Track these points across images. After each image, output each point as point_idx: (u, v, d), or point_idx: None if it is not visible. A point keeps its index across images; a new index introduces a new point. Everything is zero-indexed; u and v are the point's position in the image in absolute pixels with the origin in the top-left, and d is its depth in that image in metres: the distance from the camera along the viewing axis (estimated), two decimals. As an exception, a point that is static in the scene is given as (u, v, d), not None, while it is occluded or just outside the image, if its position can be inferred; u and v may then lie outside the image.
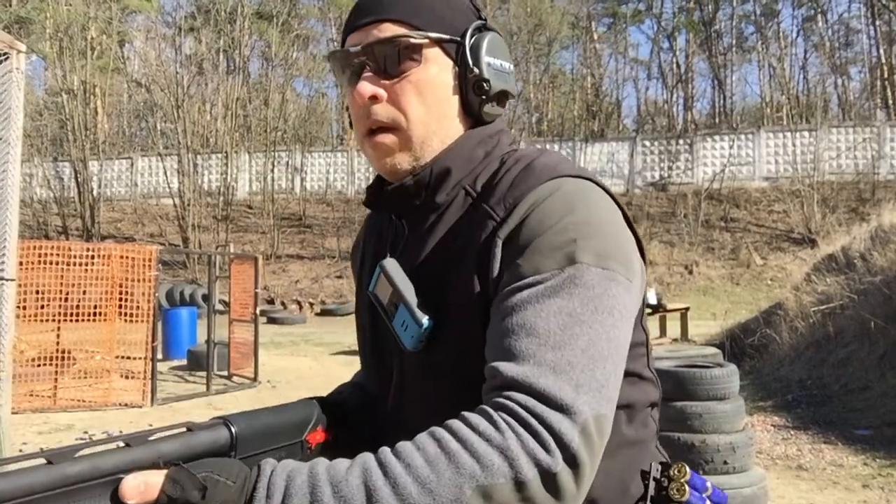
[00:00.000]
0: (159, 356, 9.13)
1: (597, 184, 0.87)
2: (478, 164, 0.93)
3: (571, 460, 0.69)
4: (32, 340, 8.36)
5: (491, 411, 0.71)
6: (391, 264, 0.91)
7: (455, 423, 0.71)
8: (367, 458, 0.70)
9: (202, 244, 24.00)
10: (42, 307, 8.28)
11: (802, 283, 10.48)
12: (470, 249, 0.86)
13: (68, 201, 26.99)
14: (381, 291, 0.92)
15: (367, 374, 1.04)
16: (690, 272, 21.22)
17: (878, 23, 30.12)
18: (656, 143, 25.44)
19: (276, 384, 9.64)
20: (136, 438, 0.67)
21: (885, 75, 29.69)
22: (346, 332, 16.60)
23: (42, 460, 0.60)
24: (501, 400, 0.72)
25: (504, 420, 0.70)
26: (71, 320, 8.51)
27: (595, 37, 34.38)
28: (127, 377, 8.82)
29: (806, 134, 24.18)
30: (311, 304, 20.91)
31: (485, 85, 0.92)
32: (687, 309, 13.31)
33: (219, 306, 10.94)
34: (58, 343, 8.46)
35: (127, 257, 8.66)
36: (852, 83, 33.56)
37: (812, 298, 9.44)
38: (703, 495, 0.91)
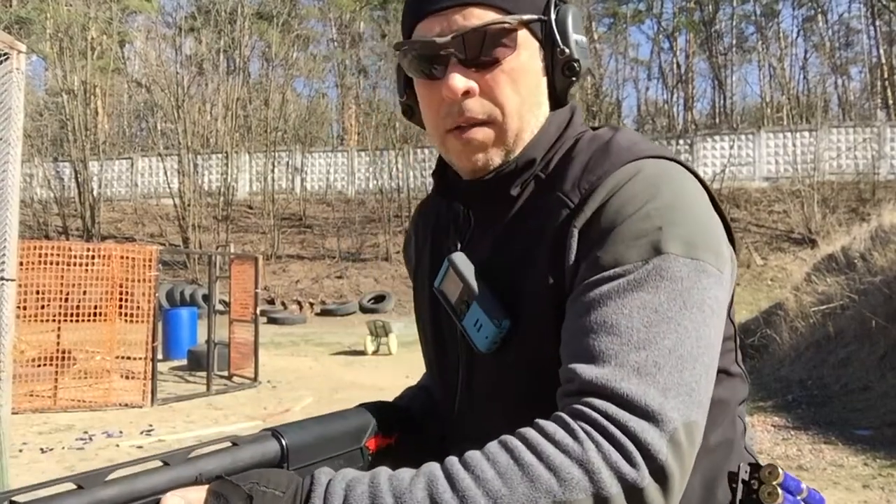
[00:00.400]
0: (159, 356, 9.13)
1: (681, 164, 0.81)
2: (552, 147, 0.86)
3: (659, 473, 0.62)
4: (33, 340, 8.36)
5: (568, 419, 0.65)
6: (461, 259, 0.85)
7: (529, 432, 0.65)
8: (433, 468, 0.65)
9: (202, 244, 24.00)
10: (42, 307, 8.28)
11: (803, 284, 10.48)
12: (543, 241, 0.80)
13: (68, 201, 26.99)
14: (449, 288, 0.85)
15: (431, 375, 0.98)
16: (691, 272, 21.19)
17: (878, 23, 30.11)
18: (656, 144, 25.41)
19: (276, 384, 9.64)
20: (174, 457, 0.63)
21: (886, 75, 29.68)
22: (346, 332, 16.61)
23: (71, 485, 0.57)
24: (580, 407, 0.66)
25: (583, 429, 0.64)
26: (71, 320, 8.51)
27: (595, 37, 34.37)
28: (127, 377, 8.82)
29: (806, 134, 24.17)
30: (312, 305, 20.91)
31: (576, 66, 0.84)
32: (687, 309, 13.28)
33: (219, 306, 10.93)
34: (58, 343, 8.46)
35: (127, 257, 8.66)
36: (852, 83, 33.59)
37: (812, 298, 9.44)
38: (798, 498, 0.83)
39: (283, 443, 0.71)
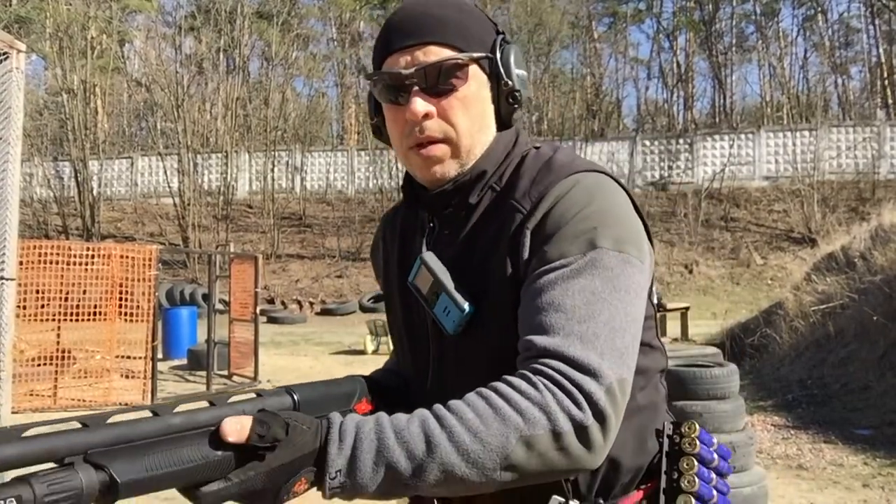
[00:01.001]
0: (159, 356, 9.13)
1: (609, 176, 0.98)
2: (500, 163, 1.03)
3: (600, 416, 0.80)
4: (32, 340, 8.36)
5: (530, 374, 0.82)
6: (430, 257, 1.01)
7: (499, 385, 0.82)
8: (423, 411, 0.81)
9: (202, 244, 23.99)
10: (42, 307, 8.28)
11: (802, 283, 10.48)
12: (501, 239, 0.96)
13: (68, 201, 26.99)
14: (421, 282, 1.01)
15: (403, 358, 1.13)
16: (690, 272, 21.22)
17: (877, 22, 30.11)
18: (656, 143, 25.44)
19: (276, 384, 9.63)
20: (219, 399, 0.79)
21: (885, 75, 29.68)
22: (345, 331, 16.60)
23: (148, 414, 0.73)
24: (538, 366, 0.83)
25: (542, 382, 0.81)
26: (71, 320, 8.51)
27: (595, 36, 34.36)
28: (127, 377, 8.82)
29: (806, 133, 24.17)
30: (311, 304, 20.91)
31: (517, 95, 1.02)
32: (687, 308, 13.30)
33: (219, 306, 10.94)
34: (58, 343, 8.46)
35: (127, 257, 8.66)
36: (852, 82, 33.58)
37: (812, 298, 9.44)
38: (711, 449, 1.02)
39: (295, 398, 0.88)
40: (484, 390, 0.82)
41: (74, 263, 8.40)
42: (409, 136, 0.99)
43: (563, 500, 0.93)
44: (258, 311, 10.26)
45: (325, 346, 14.06)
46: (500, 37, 1.03)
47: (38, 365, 8.20)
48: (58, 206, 26.68)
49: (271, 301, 20.78)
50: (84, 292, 8.61)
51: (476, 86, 1.00)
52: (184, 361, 10.98)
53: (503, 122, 1.04)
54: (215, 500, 0.72)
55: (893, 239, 9.24)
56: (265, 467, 0.73)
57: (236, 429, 0.73)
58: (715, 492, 0.99)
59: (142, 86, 30.83)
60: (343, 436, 0.77)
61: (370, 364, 11.56)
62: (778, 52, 31.51)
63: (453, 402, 0.81)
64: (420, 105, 0.96)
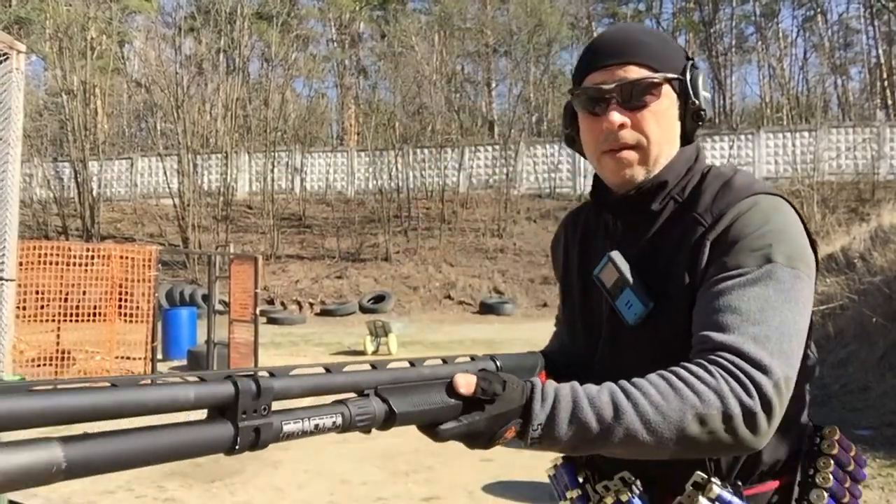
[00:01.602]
0: (159, 356, 9.13)
1: (784, 199, 1.09)
2: (683, 176, 1.16)
3: (767, 405, 0.91)
4: (32, 341, 8.36)
5: (707, 363, 0.94)
6: (617, 256, 1.14)
7: (679, 369, 0.94)
8: (611, 384, 0.93)
9: (202, 244, 23.98)
10: (42, 307, 8.28)
11: (802, 284, 10.46)
12: (682, 247, 1.09)
13: (68, 201, 26.97)
14: (606, 276, 1.15)
15: (575, 338, 1.28)
16: (690, 272, 21.21)
17: (877, 23, 30.13)
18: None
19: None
20: (449, 359, 0.96)
21: (885, 75, 29.70)
22: (345, 332, 16.60)
23: (406, 364, 0.92)
24: (714, 356, 0.94)
25: (718, 371, 0.92)
26: (71, 320, 8.51)
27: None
28: (127, 377, 8.81)
29: (806, 134, 24.18)
30: (311, 305, 20.91)
31: (702, 114, 1.16)
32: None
33: (219, 306, 10.93)
34: (58, 343, 8.46)
35: (127, 257, 8.66)
36: (852, 83, 33.60)
37: (812, 298, 9.43)
38: (849, 454, 1.12)
39: (498, 364, 1.03)
40: (665, 372, 0.94)
41: (74, 264, 8.40)
42: (605, 142, 1.13)
43: (705, 476, 1.06)
44: (258, 311, 10.25)
45: (324, 347, 14.06)
46: (690, 62, 1.17)
47: (38, 365, 8.20)
48: (57, 206, 26.66)
49: (271, 302, 20.78)
50: (84, 293, 8.62)
51: (667, 103, 1.14)
52: (183, 362, 10.98)
53: (687, 138, 1.18)
54: (448, 436, 0.89)
55: (893, 240, 9.24)
56: (486, 415, 0.88)
57: (465, 382, 0.88)
58: (847, 493, 1.09)
59: (141, 86, 30.83)
60: (545, 396, 0.91)
61: (370, 365, 11.57)
62: (777, 52, 31.54)
63: (637, 379, 0.93)
64: (617, 116, 1.11)
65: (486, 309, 19.71)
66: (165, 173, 26.05)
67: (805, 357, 1.08)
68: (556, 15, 29.29)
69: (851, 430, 6.00)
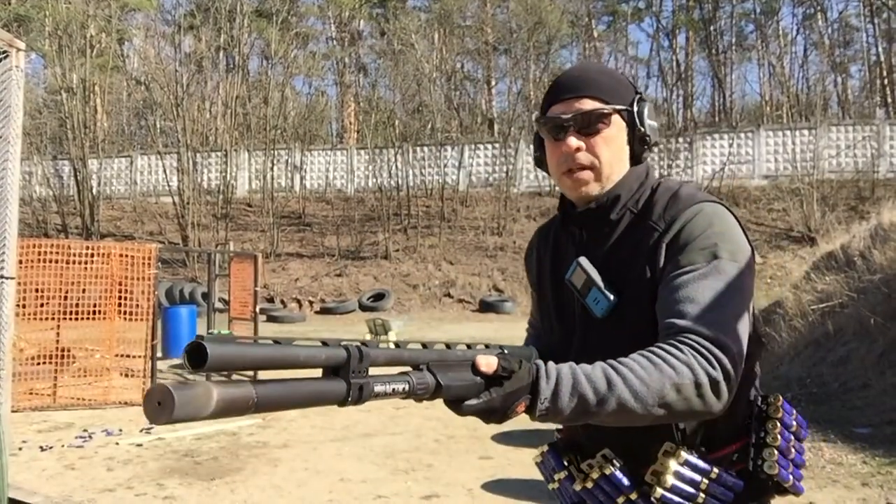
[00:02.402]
0: (159, 354, 9.14)
1: (723, 205, 1.30)
2: (635, 191, 1.36)
3: (727, 375, 1.11)
4: (32, 339, 8.35)
5: (676, 343, 1.13)
6: (584, 261, 1.34)
7: (654, 348, 1.13)
8: (602, 363, 1.10)
9: (202, 242, 23.97)
10: (42, 305, 8.27)
11: (802, 282, 10.48)
12: (640, 249, 1.29)
13: (68, 199, 26.96)
14: (576, 279, 1.35)
15: (550, 333, 1.47)
16: (690, 270, 21.19)
17: (877, 21, 30.10)
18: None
19: (275, 382, 9.63)
20: (473, 345, 1.11)
21: (885, 73, 29.68)
22: (345, 330, 16.60)
23: (443, 346, 1.06)
24: (682, 337, 1.14)
25: (686, 349, 1.12)
26: (70, 318, 8.50)
27: (595, 35, 34.37)
28: (127, 375, 8.82)
29: (805, 132, 24.16)
30: (311, 303, 20.91)
31: (647, 139, 1.37)
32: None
33: (218, 304, 10.93)
34: (57, 341, 8.45)
35: (126, 255, 8.65)
36: (852, 81, 33.57)
37: (811, 297, 9.44)
38: (790, 417, 1.33)
39: (505, 352, 1.13)
40: (644, 352, 1.12)
41: (74, 262, 8.39)
42: (564, 163, 1.34)
43: (674, 445, 1.24)
44: (258, 309, 10.26)
45: (324, 345, 14.05)
46: (638, 96, 1.37)
47: (38, 363, 8.20)
48: (57, 204, 26.65)
49: (271, 300, 20.78)
50: (83, 291, 8.61)
51: (616, 129, 1.35)
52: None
53: (636, 159, 1.39)
54: (470, 411, 1.02)
55: (893, 238, 9.23)
56: (503, 391, 1.03)
57: (487, 363, 1.03)
58: (792, 449, 1.30)
59: (141, 84, 30.79)
60: (549, 374, 1.06)
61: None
62: (777, 50, 31.50)
63: (622, 358, 1.11)
64: (573, 142, 1.32)
65: (486, 307, 19.72)
66: (165, 171, 26.03)
67: (751, 337, 1.26)
68: (555, 13, 29.25)
69: (851, 428, 6.01)
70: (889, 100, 28.76)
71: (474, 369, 1.03)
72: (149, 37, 32.52)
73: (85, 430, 6.76)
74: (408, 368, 0.99)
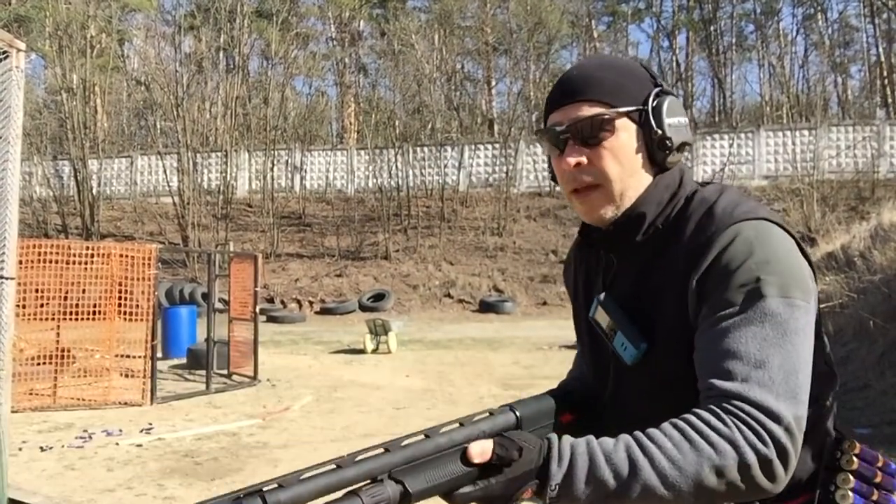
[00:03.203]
0: (159, 355, 9.14)
1: (770, 220, 1.05)
2: (665, 204, 1.13)
3: (782, 452, 0.91)
4: (32, 339, 8.36)
5: (719, 411, 0.93)
6: (606, 299, 1.16)
7: (691, 418, 0.94)
8: (626, 437, 0.94)
9: (202, 243, 23.96)
10: (42, 306, 8.27)
11: (802, 282, 10.45)
12: (667, 288, 1.08)
13: (68, 200, 26.96)
14: (600, 318, 1.17)
15: (587, 368, 1.29)
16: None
17: (877, 21, 30.10)
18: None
19: (275, 383, 9.64)
20: (466, 420, 0.99)
21: (885, 74, 29.68)
22: (345, 330, 16.60)
23: (422, 436, 0.93)
24: (725, 405, 0.94)
25: (730, 419, 0.92)
26: (70, 319, 8.50)
27: (595, 35, 34.36)
28: (127, 376, 8.82)
29: (806, 132, 24.16)
30: (311, 303, 20.91)
31: (668, 142, 1.11)
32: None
33: (218, 305, 10.93)
34: (57, 342, 8.46)
35: (126, 256, 8.65)
36: (852, 82, 33.58)
37: (811, 297, 9.41)
38: (874, 466, 1.09)
39: (517, 414, 1.06)
40: (679, 422, 0.94)
41: (74, 262, 8.39)
42: (568, 182, 1.13)
43: None
44: (258, 310, 10.26)
45: (324, 345, 14.06)
46: (657, 90, 1.13)
47: (38, 364, 8.20)
48: (57, 205, 26.64)
49: (271, 300, 20.78)
50: (83, 291, 8.61)
51: (625, 136, 1.11)
52: (183, 360, 10.99)
53: (660, 166, 1.14)
54: (463, 500, 0.91)
55: (893, 238, 9.24)
56: (503, 478, 0.91)
57: (481, 451, 0.91)
58: None
59: (141, 85, 30.80)
60: (561, 455, 0.92)
61: (369, 363, 11.59)
62: (777, 51, 31.51)
63: (651, 431, 0.93)
64: (571, 158, 1.11)
65: (486, 307, 19.71)
66: (165, 171, 26.03)
67: (821, 372, 1.07)
68: (555, 13, 29.25)
69: (851, 429, 6.00)
70: (889, 100, 28.76)
71: (465, 460, 0.91)
72: (149, 37, 32.53)
73: (85, 431, 6.75)
74: (360, 484, 0.85)
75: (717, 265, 1.02)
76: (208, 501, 0.73)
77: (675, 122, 1.12)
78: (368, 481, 0.85)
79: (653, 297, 1.10)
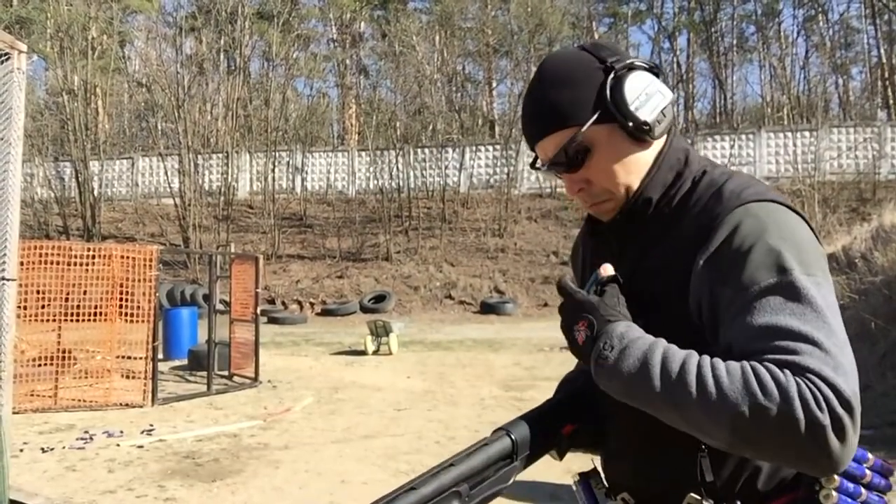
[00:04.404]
0: (160, 356, 9.14)
1: (781, 203, 1.02)
2: (670, 185, 1.11)
3: (837, 423, 0.84)
4: (33, 340, 8.37)
5: (780, 368, 0.87)
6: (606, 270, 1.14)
7: (754, 363, 0.88)
8: (692, 353, 0.92)
9: (203, 244, 23.98)
10: (43, 307, 8.28)
11: (803, 283, 10.45)
12: (671, 266, 1.05)
13: (69, 201, 26.97)
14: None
15: None
16: (691, 272, 21.18)
17: (878, 22, 30.09)
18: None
19: (276, 384, 9.64)
20: (457, 458, 0.98)
21: (886, 75, 29.67)
22: (346, 331, 16.60)
23: (409, 489, 0.91)
24: (786, 368, 0.87)
25: (791, 376, 0.86)
26: (72, 320, 8.51)
27: (596, 37, 34.34)
28: (128, 377, 8.82)
29: (807, 134, 24.16)
30: (312, 304, 20.91)
31: (644, 126, 1.07)
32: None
33: (219, 306, 10.94)
34: (59, 343, 8.46)
35: (128, 257, 8.66)
36: (853, 83, 33.56)
37: (813, 298, 9.41)
38: (862, 465, 1.03)
39: (513, 438, 1.05)
40: (745, 362, 0.89)
41: (75, 264, 8.40)
42: (583, 202, 1.15)
43: (697, 497, 1.01)
44: (259, 311, 10.26)
45: (325, 347, 14.06)
46: (608, 77, 1.07)
47: (39, 365, 8.21)
48: (58, 206, 26.66)
49: (272, 301, 20.78)
50: (85, 293, 8.62)
51: (604, 141, 1.08)
52: (184, 362, 10.99)
53: (652, 140, 1.10)
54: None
55: (894, 239, 9.23)
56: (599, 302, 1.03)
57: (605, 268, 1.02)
58: None
59: (142, 86, 30.83)
60: (629, 327, 0.99)
61: (370, 364, 11.59)
62: (778, 52, 31.52)
63: (716, 361, 0.90)
64: (571, 187, 1.13)
65: (487, 309, 19.71)
66: (166, 173, 26.05)
67: None
68: (556, 15, 29.27)
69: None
70: (890, 101, 28.74)
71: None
72: (150, 39, 32.57)
73: (86, 432, 6.76)
74: None
75: (729, 246, 0.98)
76: None
77: (640, 99, 1.07)
78: None
79: (654, 275, 1.07)
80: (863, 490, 1.02)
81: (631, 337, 0.95)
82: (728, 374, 0.87)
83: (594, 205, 1.13)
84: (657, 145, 1.12)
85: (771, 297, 0.93)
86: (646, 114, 1.06)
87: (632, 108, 1.06)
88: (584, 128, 1.06)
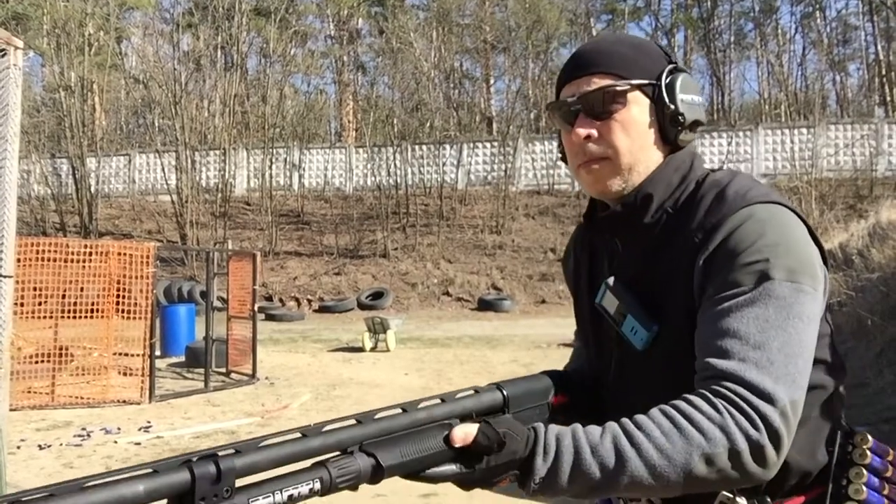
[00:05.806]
0: (157, 353, 9.14)
1: (783, 205, 1.04)
2: (675, 187, 1.12)
3: (774, 437, 0.89)
4: (30, 337, 8.35)
5: (710, 395, 0.92)
6: (614, 282, 1.14)
7: (682, 404, 0.92)
8: (614, 427, 0.91)
9: (200, 241, 23.94)
10: (40, 304, 8.27)
11: (800, 280, 10.47)
12: (677, 267, 1.06)
13: (66, 198, 26.91)
14: (608, 303, 1.14)
15: (590, 356, 1.27)
16: (688, 269, 21.20)
17: (875, 19, 30.10)
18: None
19: (274, 381, 9.64)
20: (448, 396, 0.96)
21: (883, 72, 29.69)
22: (343, 328, 16.60)
23: (398, 410, 0.90)
24: (717, 387, 0.92)
25: (721, 404, 0.90)
26: (69, 317, 8.50)
27: (593, 33, 34.32)
28: (125, 374, 8.82)
29: (804, 131, 24.17)
30: (310, 301, 20.91)
31: (680, 118, 1.10)
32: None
33: (217, 303, 10.93)
34: (56, 340, 8.45)
35: (125, 254, 8.65)
36: (850, 80, 33.59)
37: (810, 295, 9.43)
38: (885, 459, 1.08)
39: (505, 394, 1.02)
40: (668, 409, 0.92)
41: (72, 260, 8.38)
42: (577, 155, 1.12)
43: (730, 495, 1.03)
44: (256, 308, 10.26)
45: (323, 344, 14.06)
46: (671, 66, 1.12)
47: (36, 362, 8.20)
48: (55, 203, 26.60)
49: (269, 298, 20.77)
50: (82, 289, 8.60)
51: (637, 110, 1.10)
52: (182, 359, 10.98)
53: (672, 144, 1.13)
54: (438, 479, 0.89)
55: (891, 236, 9.24)
56: (482, 465, 0.89)
57: (462, 437, 0.89)
58: (886, 501, 1.06)
59: (139, 83, 30.76)
60: (547, 449, 0.90)
61: (368, 361, 11.59)
62: (776, 49, 31.52)
63: (640, 418, 0.91)
64: (581, 130, 1.10)
65: (485, 306, 19.72)
66: (163, 170, 26.00)
67: (826, 364, 1.08)
68: (554, 11, 29.24)
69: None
70: (888, 98, 28.77)
71: (447, 442, 0.89)
72: (147, 35, 32.46)
73: (83, 429, 6.75)
74: (328, 456, 0.80)
75: (726, 245, 1.00)
76: (159, 462, 0.69)
77: (688, 98, 1.11)
78: (337, 453, 0.81)
79: (662, 279, 1.08)
80: (886, 484, 1.06)
81: (550, 460, 0.91)
82: (664, 434, 0.89)
83: (588, 161, 1.11)
84: (669, 153, 1.14)
85: (741, 301, 0.96)
86: (686, 112, 1.10)
87: (678, 98, 1.10)
88: (631, 83, 1.09)
